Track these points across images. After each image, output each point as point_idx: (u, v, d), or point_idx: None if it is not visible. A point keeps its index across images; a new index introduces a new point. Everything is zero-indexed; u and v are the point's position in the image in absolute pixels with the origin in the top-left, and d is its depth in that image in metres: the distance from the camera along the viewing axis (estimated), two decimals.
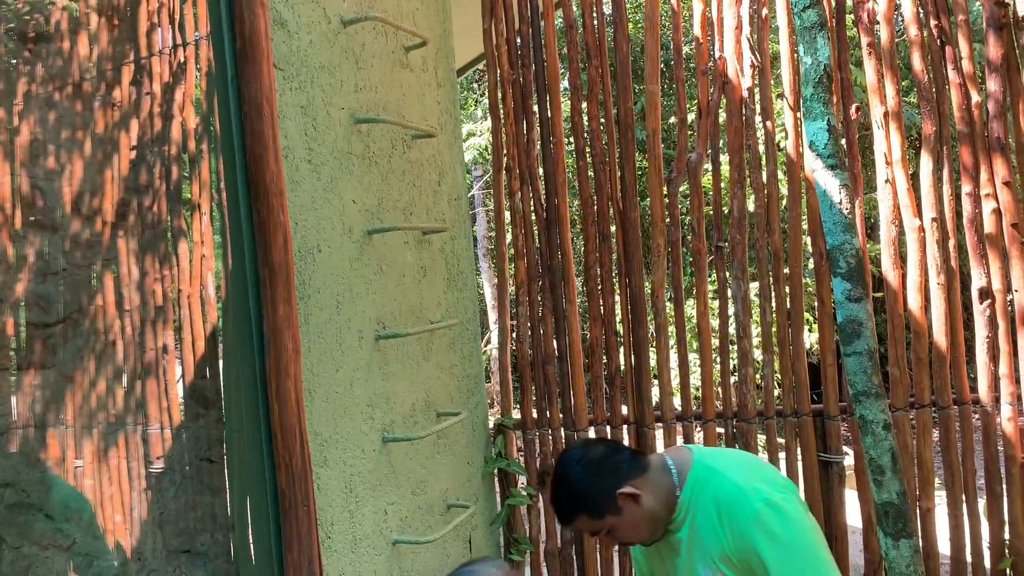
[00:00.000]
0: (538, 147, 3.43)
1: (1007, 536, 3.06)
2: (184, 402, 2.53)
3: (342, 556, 2.25)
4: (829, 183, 1.96)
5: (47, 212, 2.48)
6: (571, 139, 3.46)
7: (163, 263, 2.58)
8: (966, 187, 3.12)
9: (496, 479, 3.41)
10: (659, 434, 3.35)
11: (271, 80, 2.09)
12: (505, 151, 3.44)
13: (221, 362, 2.39)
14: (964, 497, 3.09)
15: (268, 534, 2.09)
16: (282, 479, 2.06)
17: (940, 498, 3.17)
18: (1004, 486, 3.07)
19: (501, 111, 3.44)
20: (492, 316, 7.86)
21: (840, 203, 1.96)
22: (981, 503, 3.11)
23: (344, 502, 2.30)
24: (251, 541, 2.18)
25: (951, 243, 3.13)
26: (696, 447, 1.83)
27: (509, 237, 3.47)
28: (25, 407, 2.35)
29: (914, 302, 3.11)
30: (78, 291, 2.55)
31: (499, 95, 3.43)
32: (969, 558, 3.09)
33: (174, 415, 2.54)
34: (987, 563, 3.09)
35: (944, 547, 3.15)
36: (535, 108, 3.41)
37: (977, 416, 3.16)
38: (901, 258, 3.17)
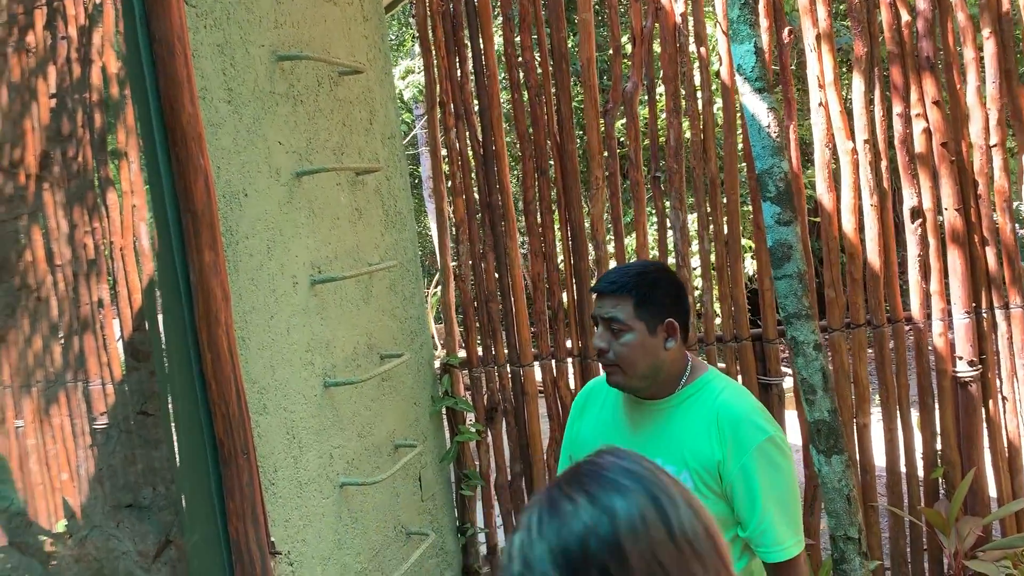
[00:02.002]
0: (472, 81, 3.36)
1: (939, 447, 3.18)
2: (119, 358, 2.47)
3: (287, 501, 2.25)
4: (756, 107, 1.95)
5: None
6: (505, 72, 3.40)
7: (92, 215, 2.49)
8: (897, 107, 3.14)
9: (444, 417, 3.42)
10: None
11: (182, 17, 2.00)
12: (438, 86, 3.37)
13: (160, 314, 2.33)
14: (898, 412, 3.19)
15: (209, 484, 2.07)
16: (219, 428, 2.03)
17: (875, 415, 3.26)
18: (936, 399, 3.18)
19: (432, 45, 3.35)
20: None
21: (768, 127, 1.95)
22: (914, 416, 3.21)
23: (287, 448, 2.29)
24: (194, 492, 2.15)
25: (883, 164, 3.16)
26: (711, 366, 1.79)
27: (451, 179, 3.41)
28: None
29: (848, 224, 3.15)
30: (4, 246, 2.45)
31: (429, 28, 3.34)
32: (903, 469, 3.20)
33: (114, 370, 2.48)
34: (920, 473, 3.21)
35: (880, 460, 3.26)
36: (467, 41, 3.33)
37: (910, 333, 3.24)
38: (835, 181, 3.20)
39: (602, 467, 0.71)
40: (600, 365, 1.71)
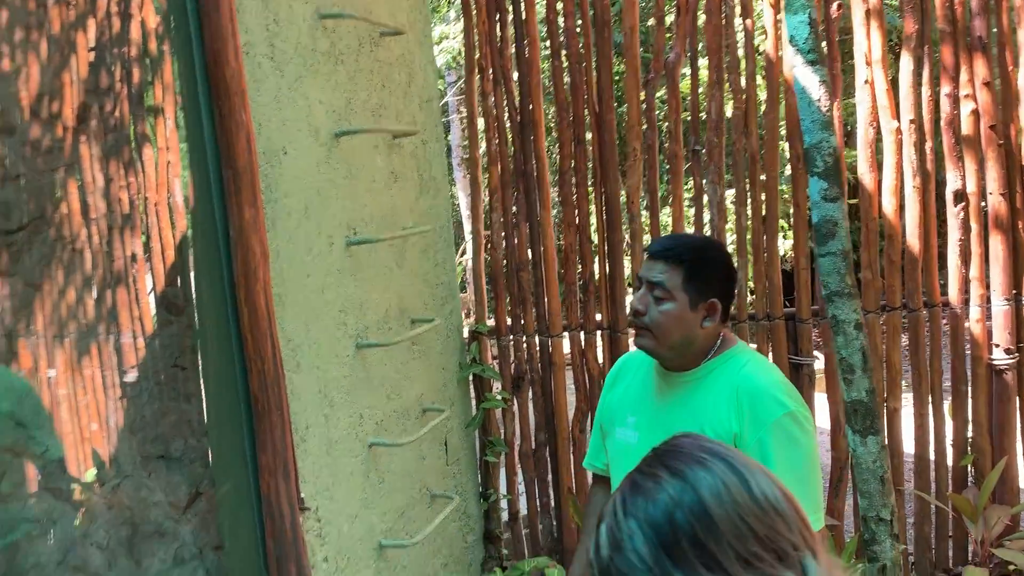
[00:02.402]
0: (512, 47, 3.32)
1: (970, 434, 3.14)
2: (154, 311, 2.49)
3: (317, 459, 2.27)
4: (808, 79, 1.91)
5: (4, 115, 2.38)
6: (546, 39, 3.36)
7: (128, 169, 2.50)
8: (945, 88, 3.07)
9: (471, 384, 3.43)
10: (632, 341, 3.37)
11: None
12: (478, 52, 3.33)
13: (197, 270, 2.34)
14: (930, 397, 3.16)
15: (242, 438, 2.09)
16: (254, 384, 2.05)
17: (906, 400, 3.23)
18: (969, 386, 3.13)
19: (473, 8, 3.32)
20: (467, 227, 7.79)
21: (819, 100, 1.92)
22: (946, 403, 3.18)
23: (319, 406, 2.30)
24: (226, 446, 2.18)
25: (928, 146, 3.10)
26: (740, 340, 1.77)
27: (483, 145, 3.39)
28: None
29: (889, 205, 3.10)
30: (40, 198, 2.47)
31: None
32: (932, 456, 3.18)
33: (146, 324, 2.50)
34: (949, 461, 3.18)
35: (909, 446, 3.23)
36: (509, 5, 3.29)
37: (946, 319, 3.19)
38: (877, 162, 3.14)
39: (679, 447, 0.73)
40: (632, 326, 1.69)
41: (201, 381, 2.32)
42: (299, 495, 2.12)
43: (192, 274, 2.22)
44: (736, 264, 3.28)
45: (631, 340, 3.35)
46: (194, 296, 2.31)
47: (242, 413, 2.08)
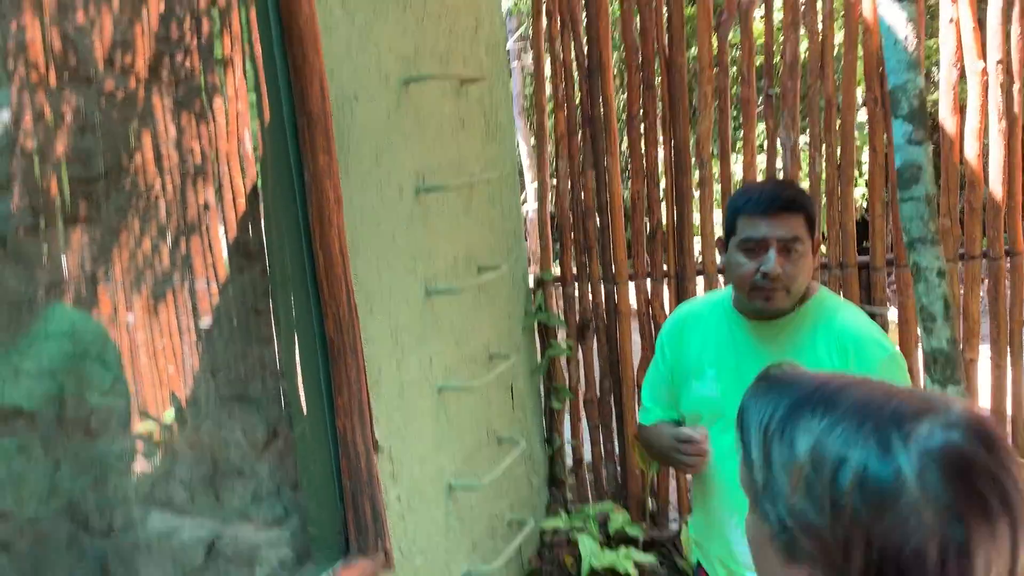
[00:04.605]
0: None
1: None
2: (228, 256, 2.55)
3: (390, 401, 2.32)
4: (895, 17, 1.84)
5: (80, 67, 2.44)
6: None
7: (199, 120, 2.54)
8: None
9: (536, 332, 3.45)
10: (699, 289, 3.34)
11: None
12: None
13: (263, 216, 2.39)
14: (1009, 349, 3.07)
15: (318, 380, 2.15)
16: (330, 327, 2.09)
17: (982, 352, 3.14)
18: None
19: None
20: (528, 176, 7.75)
21: (905, 39, 1.84)
22: None
23: (391, 350, 2.34)
24: (302, 387, 2.24)
25: (1016, 87, 2.96)
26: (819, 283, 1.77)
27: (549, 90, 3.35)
28: (75, 263, 2.39)
29: (971, 150, 2.98)
30: (116, 148, 2.53)
31: None
32: (1009, 410, 3.10)
33: (219, 270, 2.57)
34: None
35: (984, 400, 3.16)
36: None
37: None
38: (960, 105, 3.01)
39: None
40: (756, 288, 1.61)
41: (279, 325, 2.39)
42: (374, 436, 2.17)
43: (272, 220, 2.26)
44: None
45: (699, 288, 3.32)
46: (267, 242, 2.36)
47: (318, 356, 2.13)
